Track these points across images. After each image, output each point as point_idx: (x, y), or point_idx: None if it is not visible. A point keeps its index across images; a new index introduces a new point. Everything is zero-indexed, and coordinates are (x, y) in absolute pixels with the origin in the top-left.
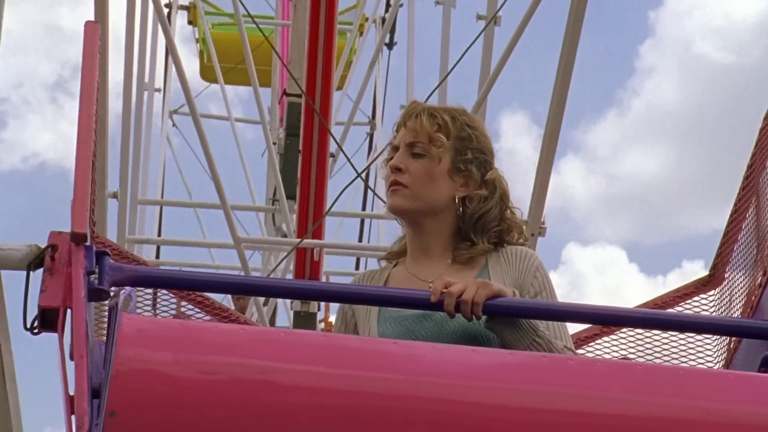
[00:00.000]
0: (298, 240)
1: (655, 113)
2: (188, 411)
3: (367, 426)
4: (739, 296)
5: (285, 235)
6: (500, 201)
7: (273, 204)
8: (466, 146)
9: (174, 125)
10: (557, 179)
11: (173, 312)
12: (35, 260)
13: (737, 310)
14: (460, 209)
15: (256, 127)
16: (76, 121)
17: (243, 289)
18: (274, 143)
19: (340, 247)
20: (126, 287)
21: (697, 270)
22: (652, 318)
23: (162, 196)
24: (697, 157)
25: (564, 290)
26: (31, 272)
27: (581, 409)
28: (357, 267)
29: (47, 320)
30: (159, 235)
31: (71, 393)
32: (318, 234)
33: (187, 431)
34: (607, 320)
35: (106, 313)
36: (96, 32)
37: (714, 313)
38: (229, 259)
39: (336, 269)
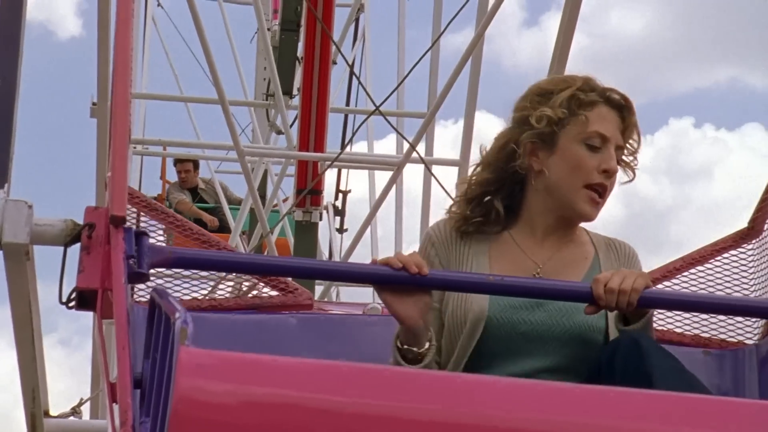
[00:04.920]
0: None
1: None
2: None
3: None
4: None
5: (279, 132)
6: None
7: (266, 99)
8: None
9: (159, 5)
10: (539, 36)
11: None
12: (72, 238)
13: None
14: None
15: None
16: None
17: (296, 272)
18: (268, 29)
19: (352, 161)
20: (180, 311)
21: (685, 127)
22: None
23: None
24: (681, 16)
25: None
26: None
27: None
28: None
29: (84, 299)
30: (143, 134)
31: (112, 380)
32: (320, 145)
33: None
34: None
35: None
36: None
37: (752, 267)
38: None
39: None
